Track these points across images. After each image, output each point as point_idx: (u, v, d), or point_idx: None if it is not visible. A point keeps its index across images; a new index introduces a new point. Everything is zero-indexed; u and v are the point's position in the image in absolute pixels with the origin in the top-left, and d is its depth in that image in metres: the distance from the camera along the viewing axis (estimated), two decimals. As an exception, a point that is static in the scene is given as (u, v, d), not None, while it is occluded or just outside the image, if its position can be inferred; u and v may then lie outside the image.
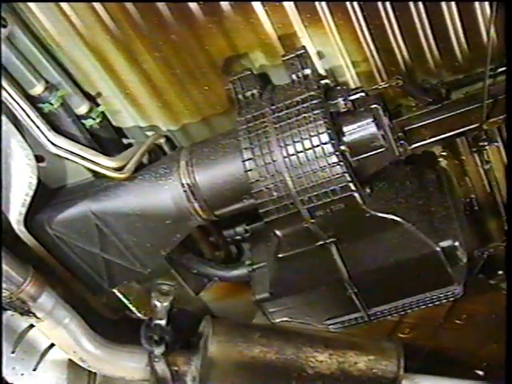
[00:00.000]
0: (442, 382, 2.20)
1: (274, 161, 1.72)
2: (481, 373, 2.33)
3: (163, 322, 2.11)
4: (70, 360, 2.21)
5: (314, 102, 1.73)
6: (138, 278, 2.18)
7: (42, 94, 1.95)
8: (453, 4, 1.76)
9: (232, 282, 2.31)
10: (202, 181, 1.88)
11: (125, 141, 2.18)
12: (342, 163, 1.69)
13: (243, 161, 1.75)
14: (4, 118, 1.87)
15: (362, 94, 1.77)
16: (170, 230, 1.97)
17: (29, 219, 1.97)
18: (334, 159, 1.69)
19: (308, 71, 1.81)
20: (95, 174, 2.05)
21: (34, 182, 1.93)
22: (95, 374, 2.30)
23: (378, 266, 1.88)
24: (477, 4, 1.76)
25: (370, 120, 1.74)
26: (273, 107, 1.78)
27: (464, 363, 2.36)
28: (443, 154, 2.10)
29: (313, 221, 1.77)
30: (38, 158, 1.99)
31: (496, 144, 2.02)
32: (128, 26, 1.85)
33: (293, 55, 1.82)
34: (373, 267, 1.89)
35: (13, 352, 2.22)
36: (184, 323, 2.22)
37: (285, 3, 1.79)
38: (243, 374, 2.00)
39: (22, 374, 2.23)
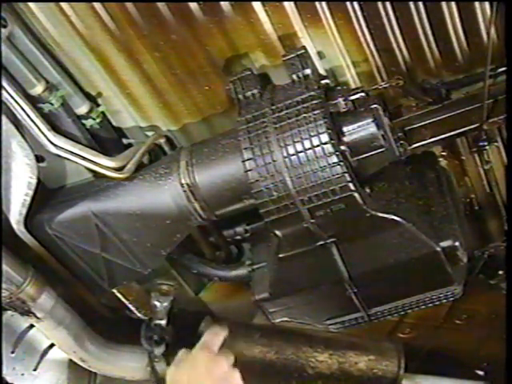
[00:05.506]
0: (442, 382, 2.20)
1: (274, 161, 1.72)
2: (481, 373, 2.33)
3: (163, 322, 2.12)
4: (70, 360, 2.21)
5: (314, 102, 1.73)
6: (138, 278, 2.17)
7: (42, 93, 1.95)
8: (453, 4, 1.76)
9: (232, 282, 2.31)
10: (202, 181, 1.88)
11: (125, 141, 2.18)
12: (342, 163, 1.69)
13: (243, 161, 1.75)
14: (4, 118, 1.87)
15: (362, 94, 1.77)
16: (170, 230, 1.97)
17: (29, 219, 1.97)
18: (334, 159, 1.68)
19: (308, 71, 1.81)
20: (95, 173, 2.05)
21: (34, 182, 1.93)
22: (95, 373, 2.30)
23: (378, 266, 1.88)
24: (477, 4, 1.76)
25: (370, 120, 1.73)
26: (273, 107, 1.78)
27: (464, 363, 2.35)
28: (443, 153, 2.10)
29: (313, 221, 1.77)
30: (38, 158, 1.99)
31: (496, 144, 2.03)
32: (128, 25, 1.85)
33: (293, 55, 1.82)
34: (373, 267, 1.89)
35: (13, 352, 2.22)
36: (184, 323, 2.22)
37: (285, 3, 1.79)
38: (243, 373, 1.99)
39: (22, 374, 2.24)
